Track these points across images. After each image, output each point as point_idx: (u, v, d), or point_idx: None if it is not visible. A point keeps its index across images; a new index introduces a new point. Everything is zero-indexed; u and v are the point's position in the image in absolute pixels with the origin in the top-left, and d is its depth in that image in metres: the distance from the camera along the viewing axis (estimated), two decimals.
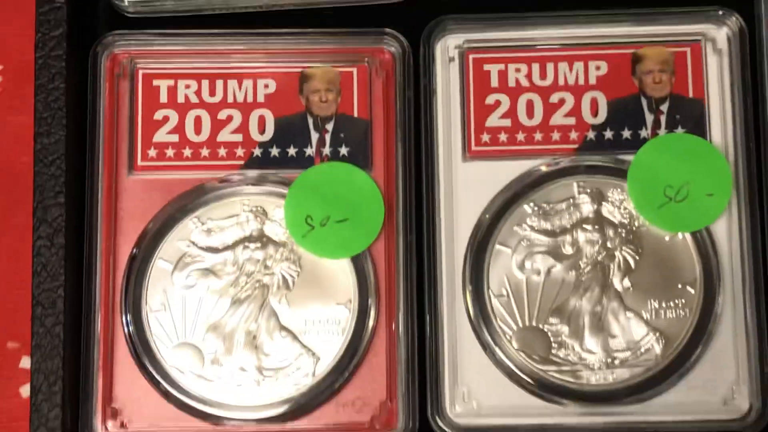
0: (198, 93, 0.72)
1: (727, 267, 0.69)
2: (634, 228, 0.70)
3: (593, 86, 0.71)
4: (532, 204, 0.70)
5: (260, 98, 0.72)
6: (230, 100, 0.72)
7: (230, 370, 0.69)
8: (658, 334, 0.69)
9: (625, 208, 0.70)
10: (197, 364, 0.69)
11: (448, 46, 0.72)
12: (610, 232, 0.70)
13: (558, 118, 0.71)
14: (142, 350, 0.69)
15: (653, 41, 0.71)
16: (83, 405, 0.69)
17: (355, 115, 0.72)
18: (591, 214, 0.70)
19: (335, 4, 0.72)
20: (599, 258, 0.70)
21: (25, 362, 0.76)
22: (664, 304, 0.69)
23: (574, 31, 0.72)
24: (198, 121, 0.72)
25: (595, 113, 0.71)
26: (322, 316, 0.70)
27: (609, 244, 0.70)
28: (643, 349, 0.69)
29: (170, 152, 0.71)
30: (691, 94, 0.71)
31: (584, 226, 0.70)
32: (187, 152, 0.71)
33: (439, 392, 0.68)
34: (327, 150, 0.71)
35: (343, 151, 0.71)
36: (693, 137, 0.70)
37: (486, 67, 0.72)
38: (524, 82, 0.71)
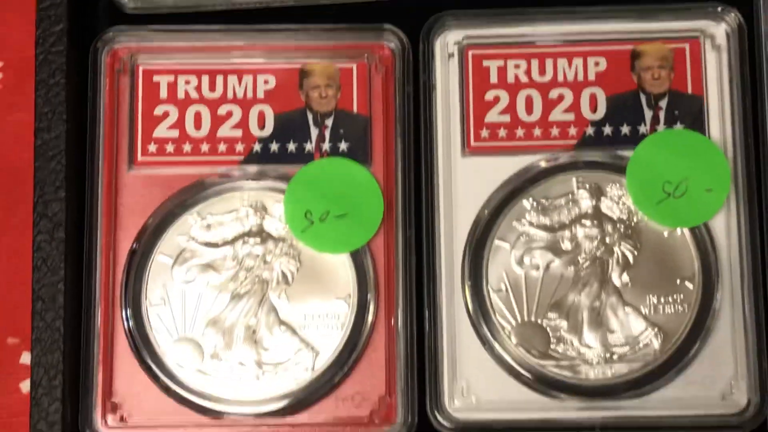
0: (198, 89, 0.72)
1: (725, 262, 0.69)
2: (632, 223, 0.70)
3: (592, 82, 0.71)
4: (531, 199, 0.71)
5: (260, 94, 0.72)
6: (230, 95, 0.72)
7: (230, 364, 0.69)
8: (656, 330, 0.69)
9: (623, 204, 0.70)
10: (197, 359, 0.69)
11: (447, 42, 0.72)
12: (609, 228, 0.70)
13: (557, 114, 0.71)
14: (141, 345, 0.70)
15: (652, 37, 0.71)
16: (83, 399, 0.69)
17: (355, 110, 0.72)
18: (590, 209, 0.70)
19: (335, 0, 0.72)
20: (598, 253, 0.70)
21: (26, 358, 0.76)
22: (662, 300, 0.69)
23: (574, 28, 0.72)
24: (198, 116, 0.72)
25: (594, 109, 0.71)
26: (322, 311, 0.70)
27: (608, 240, 0.70)
28: (641, 344, 0.69)
29: (170, 147, 0.72)
30: (690, 91, 0.71)
31: (583, 221, 0.70)
32: (187, 147, 0.71)
33: (438, 387, 0.69)
34: (326, 145, 0.71)
35: (343, 146, 0.71)
36: (692, 133, 0.70)
37: (485, 63, 0.72)
38: (523, 78, 0.71)
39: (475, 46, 0.72)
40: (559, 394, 0.68)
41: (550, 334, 0.69)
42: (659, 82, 0.71)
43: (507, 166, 0.71)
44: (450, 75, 0.72)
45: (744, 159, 0.70)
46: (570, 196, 0.71)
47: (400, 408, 0.68)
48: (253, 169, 0.71)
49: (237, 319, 0.70)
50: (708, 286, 0.69)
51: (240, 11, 0.73)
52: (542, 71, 0.71)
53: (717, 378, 0.68)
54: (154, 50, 0.72)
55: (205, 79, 0.72)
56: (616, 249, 0.70)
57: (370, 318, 0.70)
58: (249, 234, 0.71)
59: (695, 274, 0.69)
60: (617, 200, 0.70)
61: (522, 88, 0.71)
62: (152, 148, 0.72)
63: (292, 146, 0.72)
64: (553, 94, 0.71)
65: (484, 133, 0.71)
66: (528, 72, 0.71)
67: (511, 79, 0.71)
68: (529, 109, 0.71)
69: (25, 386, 0.75)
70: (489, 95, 0.71)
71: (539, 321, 0.69)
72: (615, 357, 0.69)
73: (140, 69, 0.72)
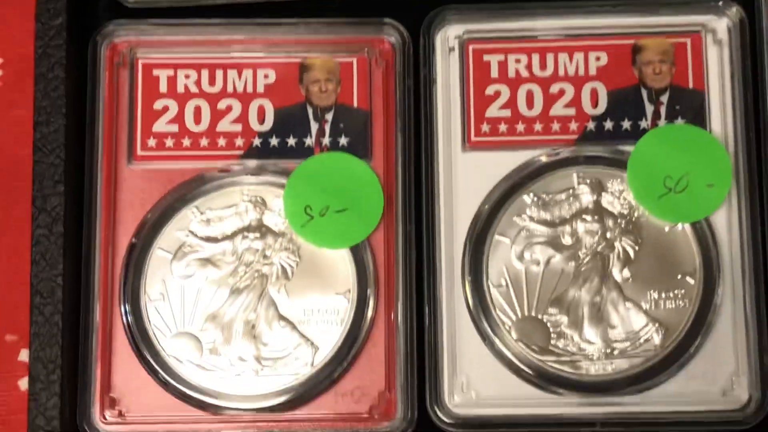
0: (198, 83, 0.72)
1: (726, 258, 0.69)
2: (633, 218, 0.70)
3: (593, 77, 0.71)
4: (531, 194, 0.70)
5: (260, 88, 0.72)
6: (230, 90, 0.72)
7: (229, 359, 0.69)
8: (657, 325, 0.69)
9: (624, 199, 0.70)
10: (196, 354, 0.69)
11: (448, 37, 0.72)
12: (610, 223, 0.70)
13: (558, 109, 0.71)
14: (140, 339, 0.69)
15: (653, 32, 0.71)
16: (81, 394, 0.69)
17: (355, 105, 0.71)
18: (590, 204, 0.70)
19: None
20: (599, 248, 0.70)
21: (24, 355, 0.76)
22: (663, 295, 0.69)
23: (575, 22, 0.71)
24: (197, 110, 0.72)
25: (595, 104, 0.71)
26: (321, 306, 0.70)
27: (608, 235, 0.70)
28: (642, 340, 0.69)
29: (170, 142, 0.71)
30: (691, 85, 0.71)
31: (584, 216, 0.70)
32: (187, 142, 0.71)
33: (438, 382, 0.68)
34: (326, 140, 0.71)
35: (343, 141, 0.71)
36: (693, 128, 0.70)
37: (486, 57, 0.71)
38: (524, 73, 0.71)
39: (475, 41, 0.72)
40: (560, 390, 0.68)
41: (551, 330, 0.69)
42: (660, 77, 0.71)
43: (508, 161, 0.70)
44: (450, 69, 0.71)
45: (745, 154, 0.70)
46: (571, 191, 0.70)
47: (399, 403, 0.68)
48: (252, 163, 0.71)
49: (236, 314, 0.70)
50: (709, 282, 0.69)
51: (240, 5, 0.73)
52: (543, 66, 0.71)
53: (718, 373, 0.68)
54: (154, 44, 0.72)
55: (205, 73, 0.72)
56: (616, 244, 0.70)
57: (369, 313, 0.69)
58: (248, 229, 0.71)
59: (696, 270, 0.69)
60: (618, 195, 0.70)
61: (523, 82, 0.71)
62: (152, 142, 0.71)
63: (291, 141, 0.71)
64: (554, 88, 0.71)
65: (485, 127, 0.71)
66: (529, 66, 0.71)
67: (511, 73, 0.71)
68: (530, 103, 0.71)
69: (24, 384, 0.75)
70: (490, 90, 0.71)
71: (540, 316, 0.69)
72: (615, 352, 0.69)
73: (140, 63, 0.72)
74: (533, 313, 0.69)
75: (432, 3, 0.72)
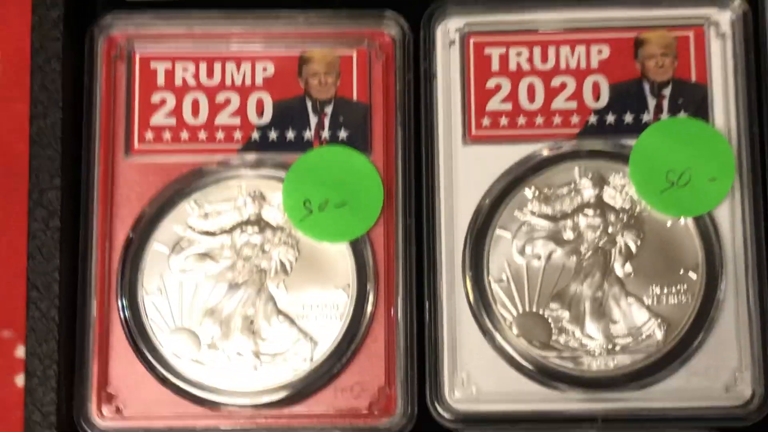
0: (196, 76, 0.71)
1: (729, 252, 0.69)
2: (635, 213, 0.69)
3: (595, 70, 0.71)
4: (532, 188, 0.70)
5: (258, 81, 0.71)
6: (228, 83, 0.71)
7: (227, 354, 0.69)
8: (659, 320, 0.68)
9: (626, 193, 0.70)
10: (194, 349, 0.69)
11: (448, 30, 0.71)
12: (612, 217, 0.70)
13: (559, 103, 0.71)
14: (138, 334, 0.69)
15: (656, 25, 0.71)
16: (78, 389, 0.69)
17: (355, 98, 0.71)
18: (592, 198, 0.70)
19: None
20: (600, 243, 0.69)
21: (20, 351, 0.75)
22: (665, 290, 0.68)
23: (576, 15, 0.71)
24: (195, 104, 0.71)
25: (597, 97, 0.71)
26: (321, 301, 0.69)
27: (610, 229, 0.69)
28: (644, 335, 0.68)
29: (167, 135, 0.71)
30: (694, 79, 0.70)
31: (585, 211, 0.70)
32: (185, 135, 0.71)
33: (439, 378, 0.68)
34: (326, 133, 0.71)
35: (342, 134, 0.71)
36: (696, 121, 0.70)
37: (487, 50, 0.71)
38: (525, 66, 0.71)
39: (476, 34, 0.71)
40: (561, 386, 0.68)
41: (552, 325, 0.69)
42: (663, 70, 0.71)
43: (509, 155, 0.70)
44: (451, 62, 0.71)
45: (748, 148, 0.69)
46: (572, 185, 0.70)
47: (399, 399, 0.68)
48: (251, 157, 0.71)
49: (234, 308, 0.69)
50: (712, 277, 0.68)
51: None
52: (544, 59, 0.71)
53: (721, 369, 0.68)
54: (152, 37, 0.72)
55: (203, 66, 0.71)
56: (618, 239, 0.69)
57: (369, 308, 0.69)
58: (247, 223, 0.70)
59: (699, 265, 0.69)
60: (620, 189, 0.70)
61: (524, 76, 0.71)
62: (149, 135, 0.71)
63: (290, 134, 0.71)
64: (556, 82, 0.71)
65: (486, 121, 0.71)
66: (530, 60, 0.71)
67: (513, 66, 0.71)
68: (531, 97, 0.71)
69: (20, 380, 0.75)
70: (490, 83, 0.71)
71: (541, 311, 0.69)
72: (617, 348, 0.68)
73: (137, 55, 0.72)
74: (534, 309, 0.69)
75: None
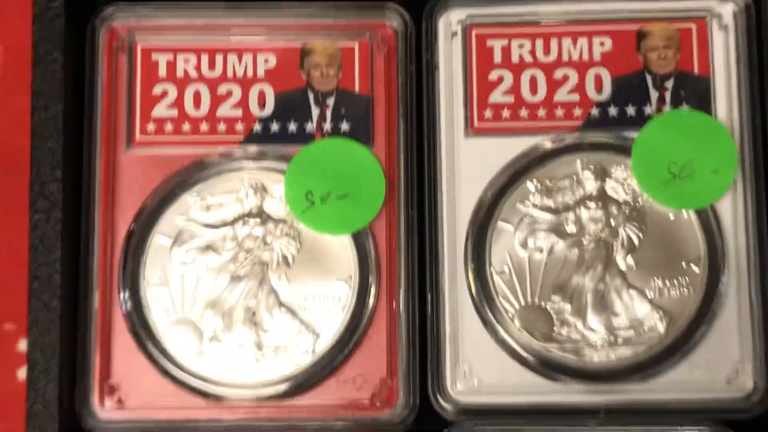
0: (197, 67, 0.71)
1: (731, 245, 0.69)
2: (637, 205, 0.69)
3: (597, 62, 0.71)
4: (535, 181, 0.70)
5: (260, 73, 0.71)
6: (230, 74, 0.71)
7: (229, 346, 0.69)
8: (661, 313, 0.68)
9: (628, 186, 0.70)
10: (196, 341, 0.69)
11: (450, 21, 0.71)
12: (614, 210, 0.70)
13: (562, 95, 0.70)
14: (140, 326, 0.69)
15: (658, 17, 0.71)
16: (80, 381, 0.69)
17: (356, 90, 0.71)
18: (594, 191, 0.70)
19: None
20: (602, 235, 0.69)
21: (22, 345, 0.75)
22: (667, 283, 0.68)
23: (579, 7, 0.71)
24: (197, 95, 0.71)
25: (599, 90, 0.70)
26: (322, 293, 0.69)
27: (612, 222, 0.69)
28: (646, 328, 0.68)
29: (169, 127, 0.71)
30: (696, 71, 0.70)
31: (587, 203, 0.70)
32: (186, 127, 0.71)
33: (440, 370, 0.68)
34: (328, 125, 0.71)
35: (344, 126, 0.71)
36: (698, 114, 0.70)
37: (489, 42, 0.71)
38: (528, 58, 0.71)
39: (478, 25, 0.71)
40: (563, 378, 0.68)
41: (554, 317, 0.69)
42: (665, 63, 0.70)
43: (511, 147, 0.70)
44: (453, 54, 0.71)
45: (751, 140, 0.69)
46: (574, 177, 0.70)
47: (401, 391, 0.68)
48: (253, 149, 0.71)
49: (237, 301, 0.69)
50: (714, 270, 0.68)
51: None
52: (547, 51, 0.71)
53: (722, 362, 0.68)
54: (153, 28, 0.72)
55: (205, 57, 0.71)
56: (621, 231, 0.69)
57: (371, 300, 0.69)
58: (249, 215, 0.70)
59: (701, 257, 0.69)
60: (622, 182, 0.70)
61: (526, 68, 0.71)
62: (151, 127, 0.71)
63: (292, 126, 0.71)
64: (558, 74, 0.71)
65: (488, 113, 0.71)
66: (532, 52, 0.71)
67: (515, 58, 0.71)
68: (534, 89, 0.71)
69: (21, 373, 0.75)
70: (493, 75, 0.71)
71: (543, 304, 0.69)
72: (619, 340, 0.68)
73: (139, 47, 0.71)
74: (536, 301, 0.69)
75: None
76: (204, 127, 0.71)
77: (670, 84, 0.70)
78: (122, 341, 0.69)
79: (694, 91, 0.70)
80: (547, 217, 0.70)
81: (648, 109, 0.70)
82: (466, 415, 0.68)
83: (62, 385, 0.68)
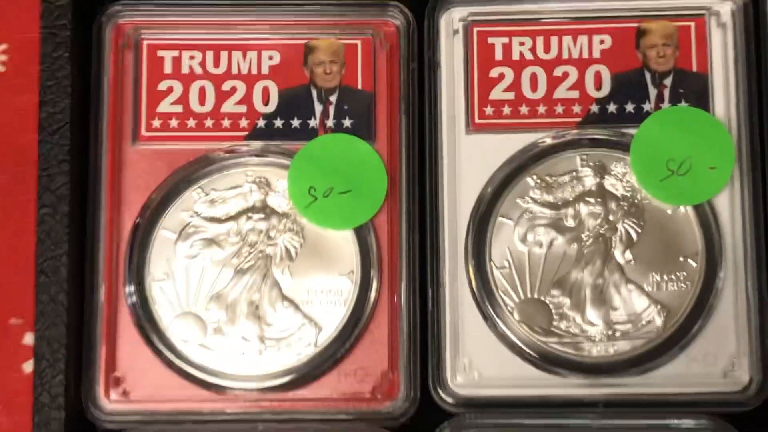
0: (202, 64, 0.72)
1: (729, 240, 0.69)
2: (636, 201, 0.70)
3: (597, 60, 0.71)
4: (534, 177, 0.70)
5: (264, 70, 0.72)
6: (234, 71, 0.72)
7: (233, 339, 0.69)
8: (659, 307, 0.69)
9: (627, 182, 0.70)
10: (200, 334, 0.70)
11: (452, 19, 0.72)
12: (613, 205, 0.70)
13: (561, 92, 0.71)
14: (145, 319, 0.70)
15: (658, 15, 0.71)
16: (86, 373, 0.69)
17: (359, 87, 0.72)
18: (594, 187, 0.70)
19: None
20: (601, 231, 0.70)
21: (28, 339, 0.76)
22: (665, 277, 0.69)
23: (579, 5, 0.71)
24: (202, 92, 0.72)
25: (598, 87, 0.71)
26: (325, 287, 0.70)
27: (611, 217, 0.70)
28: (644, 322, 0.69)
29: (174, 123, 0.71)
30: (694, 69, 0.71)
31: (587, 199, 0.70)
32: (191, 123, 0.71)
33: (441, 363, 0.69)
34: (330, 122, 0.71)
35: (347, 123, 0.71)
36: (696, 110, 0.70)
37: (490, 40, 0.72)
38: (528, 56, 0.71)
39: (480, 23, 0.72)
40: (562, 371, 0.68)
41: (553, 311, 0.69)
42: (664, 60, 0.71)
43: (511, 144, 0.71)
44: (455, 52, 0.71)
45: (748, 137, 0.70)
46: (574, 173, 0.71)
47: (402, 383, 0.68)
48: (257, 144, 0.71)
49: (240, 294, 0.70)
50: (711, 264, 0.69)
51: None
52: (547, 48, 0.71)
53: (719, 355, 0.68)
54: (159, 25, 0.72)
55: (210, 54, 0.72)
56: (619, 226, 0.70)
57: (373, 294, 0.70)
58: (253, 209, 0.71)
59: (699, 252, 0.69)
60: (621, 178, 0.70)
61: (527, 65, 0.71)
62: (156, 123, 0.71)
63: (296, 122, 0.71)
64: (558, 71, 0.71)
65: (489, 110, 0.71)
66: (533, 49, 0.71)
67: (515, 56, 0.71)
68: (534, 86, 0.71)
69: (28, 367, 0.75)
70: (493, 72, 0.71)
71: (542, 298, 0.69)
72: (618, 334, 0.69)
73: (144, 44, 0.72)
74: (536, 295, 0.69)
75: None
76: (209, 123, 0.71)
77: (668, 81, 0.71)
78: (127, 334, 0.70)
79: (693, 89, 0.71)
80: (547, 212, 0.70)
81: (647, 106, 0.71)
82: (466, 408, 0.68)
83: (68, 377, 0.68)
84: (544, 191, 0.70)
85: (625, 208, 0.70)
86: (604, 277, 0.69)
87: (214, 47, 0.72)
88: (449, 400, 0.68)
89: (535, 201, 0.70)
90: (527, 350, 0.69)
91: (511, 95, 0.71)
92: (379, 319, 0.69)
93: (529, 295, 0.69)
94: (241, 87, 0.72)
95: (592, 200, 0.70)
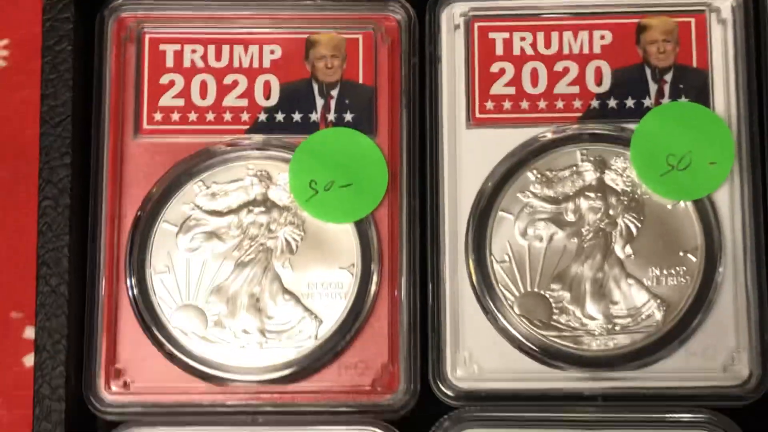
0: (204, 58, 0.72)
1: (728, 235, 0.69)
2: (636, 196, 0.70)
3: (598, 55, 0.71)
4: (535, 171, 0.71)
5: (266, 64, 0.72)
6: (236, 65, 0.72)
7: (233, 332, 0.70)
8: (659, 301, 0.69)
9: (627, 176, 0.70)
10: (200, 326, 0.70)
11: (453, 14, 0.72)
12: (613, 200, 0.70)
13: (562, 87, 0.71)
14: (146, 311, 0.70)
15: (658, 11, 0.71)
16: (87, 364, 0.69)
17: (360, 81, 0.72)
18: (594, 181, 0.71)
19: None
20: (601, 225, 0.70)
21: (29, 332, 0.76)
22: (665, 272, 0.69)
23: (579, 0, 0.72)
24: (204, 85, 0.72)
25: (599, 82, 0.71)
26: (325, 280, 0.70)
27: (611, 212, 0.70)
28: (644, 316, 0.69)
29: (176, 116, 0.72)
30: (695, 64, 0.71)
31: (587, 193, 0.70)
32: (193, 116, 0.72)
33: (441, 356, 0.69)
34: (332, 116, 0.71)
35: (348, 117, 0.71)
36: (696, 106, 0.70)
37: (491, 35, 0.72)
38: (529, 51, 0.71)
39: (480, 18, 0.72)
40: (562, 365, 0.69)
41: (553, 305, 0.69)
42: (664, 56, 0.71)
43: (512, 138, 0.71)
44: (456, 47, 0.72)
45: (748, 132, 0.70)
46: (574, 168, 0.71)
47: (402, 376, 0.69)
48: (258, 138, 0.71)
49: (241, 287, 0.70)
50: (711, 259, 0.69)
51: None
52: (548, 44, 0.71)
53: (719, 350, 0.68)
54: (161, 19, 0.72)
55: (211, 48, 0.72)
56: (619, 221, 0.70)
57: (373, 287, 0.70)
58: (254, 203, 0.71)
59: (698, 247, 0.69)
60: (621, 172, 0.70)
61: (527, 60, 0.71)
62: (158, 116, 0.72)
63: (297, 116, 0.72)
64: (559, 66, 0.71)
65: (489, 104, 0.71)
66: (533, 44, 0.71)
67: (516, 51, 0.71)
68: (534, 81, 0.71)
69: (29, 360, 0.75)
70: (494, 67, 0.71)
71: (542, 292, 0.69)
72: (617, 328, 0.69)
73: (146, 37, 0.72)
74: (536, 289, 0.69)
75: None
76: (210, 116, 0.72)
77: (669, 77, 0.71)
78: (128, 326, 0.70)
79: (693, 84, 0.71)
80: (547, 206, 0.70)
81: (647, 102, 0.71)
82: (466, 401, 0.68)
83: (69, 368, 0.68)
84: (545, 186, 0.71)
85: (625, 202, 0.70)
86: (604, 272, 0.70)
87: (215, 41, 0.72)
88: (449, 393, 0.69)
89: (535, 195, 0.70)
90: (527, 344, 0.69)
91: (511, 90, 0.71)
92: (379, 312, 0.69)
93: (529, 289, 0.69)
94: (243, 81, 0.72)
95: (592, 195, 0.70)
